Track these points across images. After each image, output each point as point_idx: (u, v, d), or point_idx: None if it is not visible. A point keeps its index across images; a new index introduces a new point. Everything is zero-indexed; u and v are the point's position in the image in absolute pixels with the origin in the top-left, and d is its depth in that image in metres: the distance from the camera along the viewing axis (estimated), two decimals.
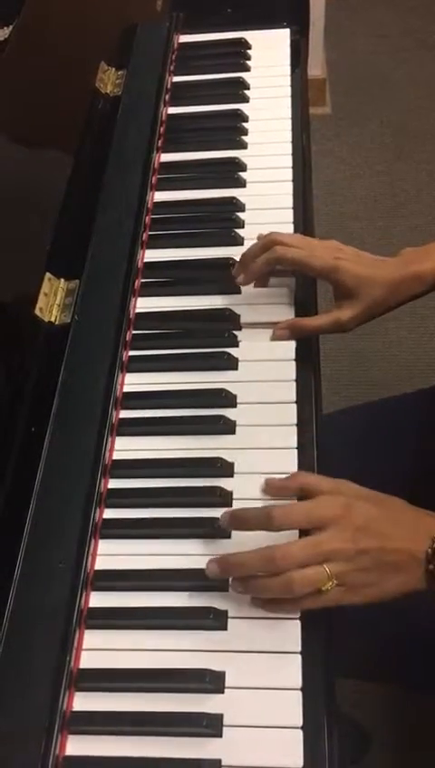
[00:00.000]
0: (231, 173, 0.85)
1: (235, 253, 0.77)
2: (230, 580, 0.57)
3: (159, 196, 0.84)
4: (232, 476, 0.63)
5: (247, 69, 0.97)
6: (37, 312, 0.70)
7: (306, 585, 0.53)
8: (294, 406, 0.67)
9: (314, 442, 0.66)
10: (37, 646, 0.53)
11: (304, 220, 0.81)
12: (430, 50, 2.20)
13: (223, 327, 0.72)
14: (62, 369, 0.67)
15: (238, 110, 0.91)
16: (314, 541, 0.55)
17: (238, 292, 0.75)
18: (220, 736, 0.51)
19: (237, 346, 0.71)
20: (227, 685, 0.53)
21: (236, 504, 0.61)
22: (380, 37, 2.26)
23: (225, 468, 0.63)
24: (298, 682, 0.53)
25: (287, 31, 1.00)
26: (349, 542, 0.54)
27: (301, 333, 0.71)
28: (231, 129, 0.90)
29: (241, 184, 0.84)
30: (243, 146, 0.88)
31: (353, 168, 1.95)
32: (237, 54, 0.98)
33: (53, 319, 0.71)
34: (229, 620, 0.56)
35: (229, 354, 0.70)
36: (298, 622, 0.55)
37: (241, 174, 0.85)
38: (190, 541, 0.60)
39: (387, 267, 0.71)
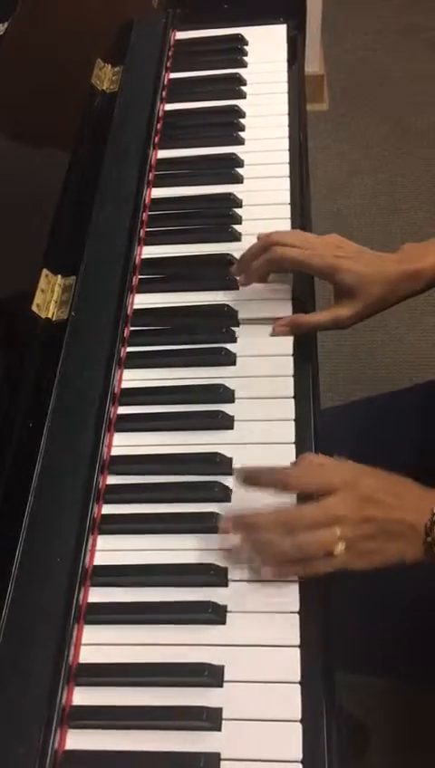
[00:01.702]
0: (228, 169, 0.85)
1: (232, 249, 0.77)
2: (232, 559, 0.58)
3: (156, 192, 0.84)
4: (230, 471, 0.63)
5: (244, 65, 0.97)
6: (34, 308, 0.70)
7: (321, 546, 0.55)
8: (292, 401, 0.67)
9: (313, 437, 0.66)
10: (36, 641, 0.53)
11: (302, 216, 0.81)
12: (429, 45, 2.20)
13: (221, 323, 0.72)
14: (59, 365, 0.67)
15: (235, 106, 0.91)
16: (323, 505, 0.57)
17: (236, 288, 0.75)
18: (219, 730, 0.51)
19: (235, 342, 0.71)
20: (226, 678, 0.53)
21: (235, 500, 0.62)
22: (378, 33, 2.25)
23: (223, 463, 0.63)
24: (297, 676, 0.53)
25: (284, 27, 1.00)
26: (354, 509, 0.56)
27: (300, 330, 0.72)
28: (228, 126, 0.90)
29: (238, 180, 0.84)
30: (240, 142, 0.88)
31: (352, 164, 1.94)
32: (234, 50, 0.98)
33: (50, 315, 0.71)
34: (228, 614, 0.56)
35: (227, 350, 0.70)
36: (297, 616, 0.55)
37: (238, 170, 0.85)
38: (189, 536, 0.60)
39: (387, 264, 0.71)
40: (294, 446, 0.64)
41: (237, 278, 0.75)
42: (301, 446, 0.64)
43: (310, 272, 0.72)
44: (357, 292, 0.70)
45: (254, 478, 0.59)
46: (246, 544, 0.57)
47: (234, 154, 0.86)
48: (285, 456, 0.64)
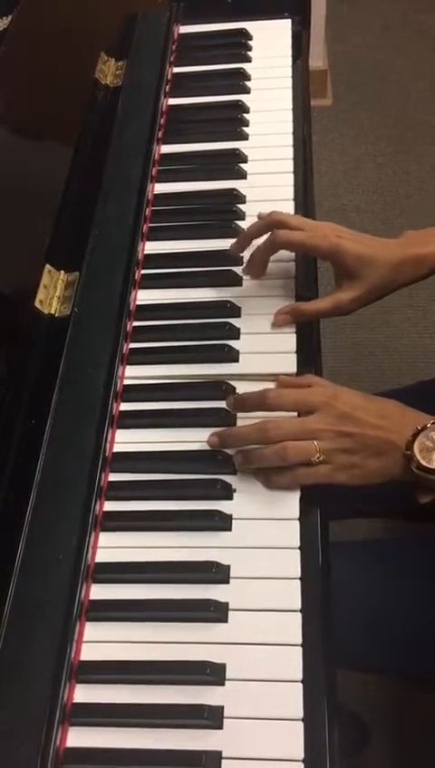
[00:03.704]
0: (232, 164, 0.85)
1: None
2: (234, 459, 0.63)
3: (160, 187, 0.84)
4: (232, 469, 0.63)
5: (248, 60, 0.96)
6: (37, 304, 0.70)
7: (299, 452, 0.60)
8: None
9: None
10: (38, 638, 0.53)
11: (305, 212, 0.81)
12: (433, 41, 2.19)
13: (224, 319, 0.72)
14: (61, 361, 0.67)
15: (239, 101, 0.91)
16: (301, 420, 0.61)
17: (239, 284, 0.75)
18: (221, 728, 0.51)
19: (238, 338, 0.71)
20: (227, 677, 0.53)
21: (237, 497, 0.62)
22: (382, 29, 2.24)
23: (225, 460, 0.63)
24: (299, 674, 0.53)
25: (289, 21, 1.00)
26: (332, 425, 0.60)
27: (302, 317, 0.71)
28: (232, 121, 0.89)
29: (242, 175, 0.84)
30: (244, 137, 0.88)
31: (355, 159, 1.94)
32: (238, 45, 0.97)
33: (52, 311, 0.71)
34: (230, 613, 0.56)
35: (230, 347, 0.70)
36: (299, 614, 0.55)
37: (242, 165, 0.85)
38: (191, 533, 0.60)
39: (388, 249, 0.70)
40: None
41: (244, 271, 0.75)
42: None
43: (313, 253, 0.72)
44: (359, 274, 0.70)
45: (240, 402, 0.64)
46: (238, 457, 0.62)
47: (237, 149, 0.86)
48: None
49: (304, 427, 0.60)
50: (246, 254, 0.75)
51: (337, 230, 0.71)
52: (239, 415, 0.65)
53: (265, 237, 0.72)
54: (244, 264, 0.75)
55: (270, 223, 0.72)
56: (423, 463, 0.58)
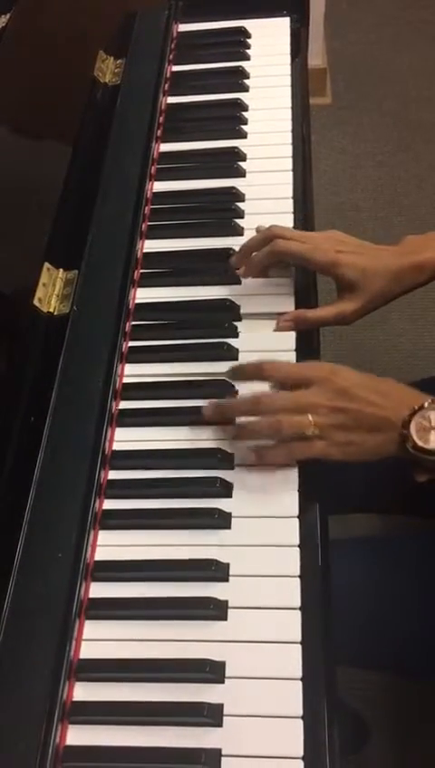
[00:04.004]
0: (231, 163, 0.84)
1: (234, 243, 0.77)
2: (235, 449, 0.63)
3: (159, 186, 0.84)
4: (231, 467, 0.63)
5: (247, 58, 0.96)
6: (36, 302, 0.70)
7: (293, 425, 0.59)
8: None
9: None
10: (37, 636, 0.53)
11: (304, 210, 0.81)
12: (432, 39, 2.19)
13: (223, 317, 0.72)
14: (61, 359, 0.67)
15: (238, 99, 0.91)
16: (295, 393, 0.61)
17: (238, 282, 0.75)
18: (221, 726, 0.51)
19: (237, 337, 0.71)
20: (227, 675, 0.53)
21: (236, 496, 0.62)
22: (381, 27, 2.24)
23: (224, 459, 0.63)
24: (298, 672, 0.53)
25: (287, 20, 1.00)
26: (329, 400, 0.60)
27: (305, 325, 0.71)
28: (231, 119, 0.89)
29: (241, 174, 0.84)
30: (243, 135, 0.88)
31: (354, 158, 1.94)
32: (237, 43, 0.97)
33: (51, 309, 0.71)
34: (230, 610, 0.56)
35: (229, 345, 0.70)
36: (299, 612, 0.55)
37: (241, 164, 0.84)
38: (190, 531, 0.60)
39: (388, 257, 0.71)
40: None
41: (237, 270, 0.75)
42: None
43: (311, 266, 0.72)
44: (359, 287, 0.70)
45: (239, 370, 0.64)
46: (232, 429, 0.62)
47: (236, 147, 0.86)
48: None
49: (298, 400, 0.60)
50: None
51: (337, 243, 0.71)
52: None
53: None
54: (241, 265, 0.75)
55: (269, 236, 0.72)
56: (419, 443, 0.58)
